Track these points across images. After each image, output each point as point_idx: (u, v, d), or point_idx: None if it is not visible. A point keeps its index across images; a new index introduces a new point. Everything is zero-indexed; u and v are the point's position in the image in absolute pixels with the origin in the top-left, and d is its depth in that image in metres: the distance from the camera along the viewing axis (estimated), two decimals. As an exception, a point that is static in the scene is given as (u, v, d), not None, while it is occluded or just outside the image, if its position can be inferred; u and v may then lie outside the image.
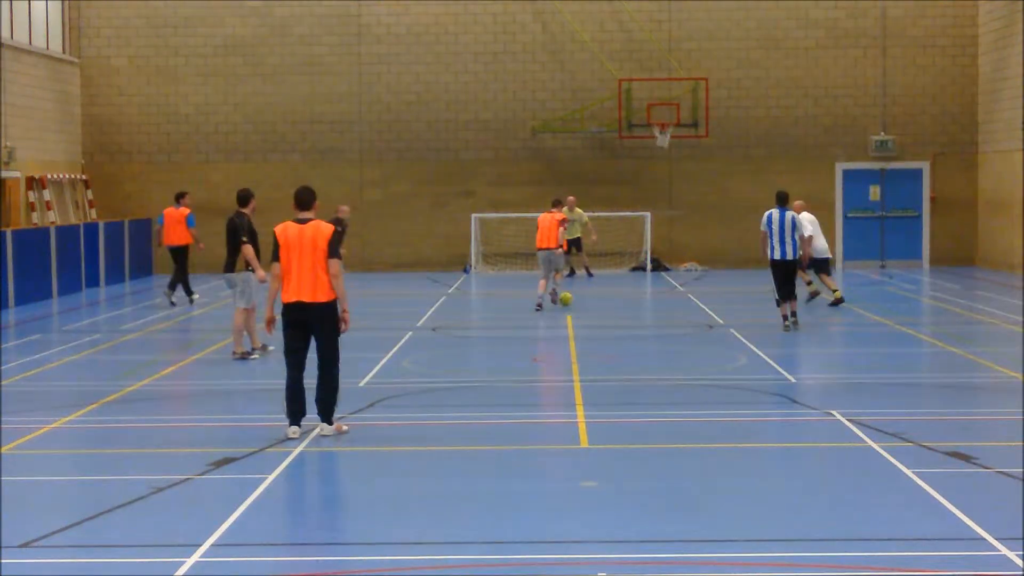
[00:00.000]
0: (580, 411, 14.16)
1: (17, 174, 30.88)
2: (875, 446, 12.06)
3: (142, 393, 15.71)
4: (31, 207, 31.40)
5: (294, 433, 12.68)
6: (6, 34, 30.96)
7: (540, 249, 25.49)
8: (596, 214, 34.73)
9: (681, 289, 29.58)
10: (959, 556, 8.63)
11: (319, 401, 12.80)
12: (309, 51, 35.75)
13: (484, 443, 12.61)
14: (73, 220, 33.32)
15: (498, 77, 35.80)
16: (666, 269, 34.86)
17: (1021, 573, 8.25)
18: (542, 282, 25.29)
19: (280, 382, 16.40)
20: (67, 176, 33.96)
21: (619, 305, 26.94)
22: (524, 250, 35.51)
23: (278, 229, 12.93)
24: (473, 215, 35.26)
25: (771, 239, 21.35)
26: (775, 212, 21.39)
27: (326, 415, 12.81)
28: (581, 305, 26.13)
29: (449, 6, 35.70)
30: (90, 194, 35.15)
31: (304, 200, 13.01)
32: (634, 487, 10.72)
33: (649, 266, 34.85)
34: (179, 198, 27.06)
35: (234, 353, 18.42)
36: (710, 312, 24.30)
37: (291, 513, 10.18)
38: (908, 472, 10.97)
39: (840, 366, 18.27)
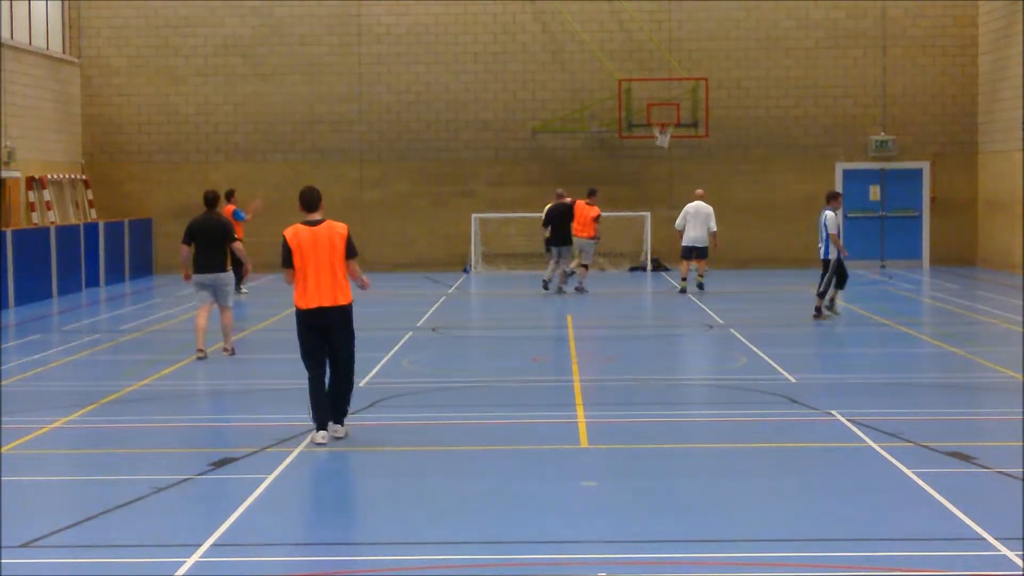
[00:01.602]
0: (580, 411, 14.16)
1: (17, 174, 30.88)
2: (875, 446, 12.06)
3: (142, 393, 15.71)
4: (31, 207, 31.40)
5: (323, 438, 12.32)
6: (6, 34, 30.96)
7: (578, 237, 27.92)
8: (596, 214, 34.72)
9: (681, 289, 29.57)
10: (959, 556, 8.63)
11: (336, 401, 12.54)
12: (309, 51, 35.75)
13: (484, 443, 12.61)
14: (73, 220, 33.32)
15: (498, 77, 35.80)
16: (666, 269, 34.83)
17: (1021, 573, 8.24)
18: (574, 263, 28.18)
19: (281, 383, 16.40)
20: (67, 176, 33.96)
21: (619, 305, 26.94)
22: (524, 250, 35.54)
23: (288, 234, 12.42)
24: (473, 215, 35.26)
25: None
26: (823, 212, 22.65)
27: (339, 416, 12.60)
28: (581, 305, 26.15)
29: (449, 6, 35.71)
30: (90, 194, 35.15)
31: (310, 201, 12.52)
32: (634, 487, 10.72)
33: (649, 266, 34.84)
34: (229, 196, 27.77)
35: (225, 350, 18.65)
36: (710, 312, 24.30)
37: (291, 513, 10.18)
38: (908, 472, 10.97)
39: (840, 366, 18.26)
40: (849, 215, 36.00)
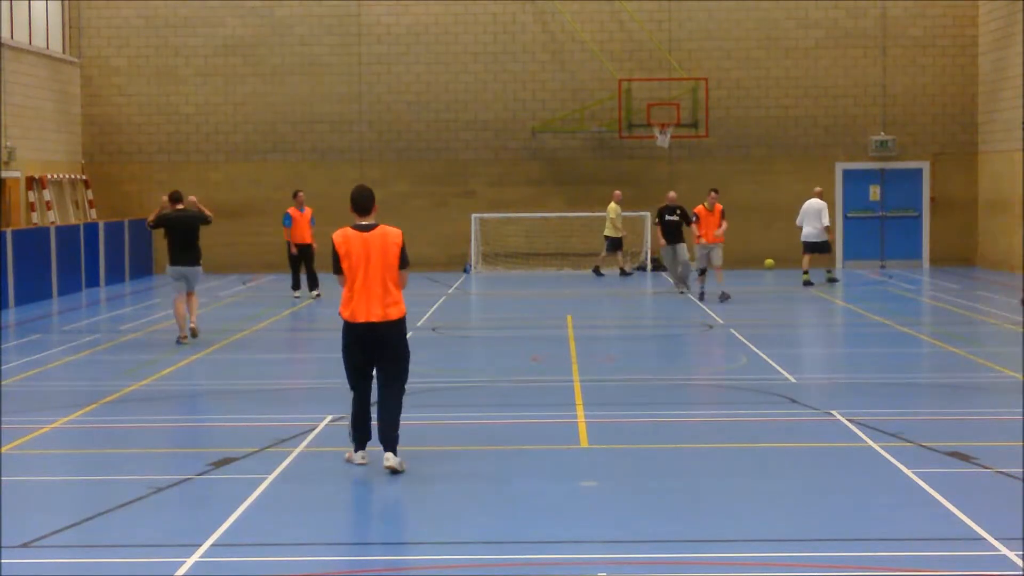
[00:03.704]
0: (580, 411, 14.16)
1: (17, 174, 30.88)
2: (875, 446, 12.05)
3: (142, 393, 15.70)
4: (31, 207, 31.39)
5: (363, 459, 11.46)
6: (6, 34, 30.95)
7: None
8: (596, 214, 34.74)
9: (681, 289, 29.56)
10: (959, 556, 8.63)
11: (387, 427, 11.28)
12: (309, 51, 35.75)
13: (484, 443, 12.61)
14: (73, 220, 33.32)
15: (498, 77, 35.80)
16: (666, 269, 34.81)
17: (1021, 573, 8.24)
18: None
19: (281, 383, 16.41)
20: (67, 176, 33.96)
21: (619, 305, 26.94)
22: (524, 250, 35.55)
23: (336, 238, 11.23)
24: (473, 215, 35.26)
25: None
26: None
27: (392, 443, 11.26)
28: (581, 305, 26.15)
29: (449, 6, 35.70)
30: (90, 194, 35.15)
31: (362, 203, 11.22)
32: (634, 487, 10.72)
33: (649, 266, 34.84)
34: (295, 196, 28.09)
35: (191, 328, 20.10)
36: (710, 312, 24.30)
37: (291, 513, 10.17)
38: (908, 472, 10.97)
39: (840, 366, 18.26)
40: (849, 215, 36.01)
